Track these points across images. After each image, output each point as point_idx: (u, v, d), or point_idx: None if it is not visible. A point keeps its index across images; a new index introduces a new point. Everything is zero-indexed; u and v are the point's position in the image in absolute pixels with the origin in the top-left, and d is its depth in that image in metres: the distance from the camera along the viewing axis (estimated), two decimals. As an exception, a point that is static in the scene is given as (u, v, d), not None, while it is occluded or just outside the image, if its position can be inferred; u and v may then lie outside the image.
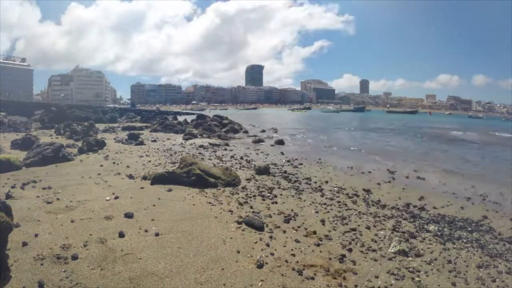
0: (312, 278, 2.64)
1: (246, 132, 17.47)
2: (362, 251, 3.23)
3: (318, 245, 3.30)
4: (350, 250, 3.24)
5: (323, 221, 4.02)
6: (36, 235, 2.97)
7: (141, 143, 10.75)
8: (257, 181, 5.98)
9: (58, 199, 4.12)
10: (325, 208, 4.56)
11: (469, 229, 4.10)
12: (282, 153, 10.06)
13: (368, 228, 3.89)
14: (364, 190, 5.76)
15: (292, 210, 4.39)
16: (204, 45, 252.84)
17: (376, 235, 3.69)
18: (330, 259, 3.02)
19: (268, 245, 3.21)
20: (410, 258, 3.14)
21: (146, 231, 3.30)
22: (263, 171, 6.65)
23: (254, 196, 4.95)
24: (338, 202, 4.92)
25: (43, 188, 4.62)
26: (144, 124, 20.15)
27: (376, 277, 2.75)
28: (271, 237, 3.42)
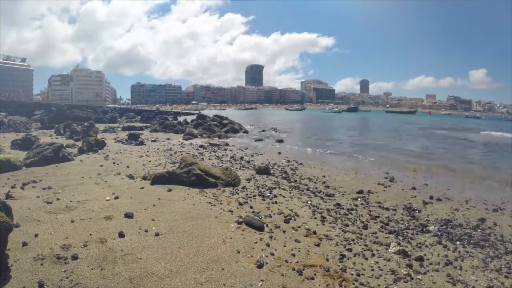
0: (312, 278, 2.64)
1: (246, 132, 17.47)
2: (362, 251, 3.23)
3: (318, 245, 3.30)
4: (350, 250, 3.24)
5: (323, 221, 4.02)
6: (36, 235, 2.96)
7: (141, 143, 10.75)
8: (257, 181, 5.98)
9: (58, 199, 4.12)
10: (325, 208, 4.56)
11: (469, 229, 4.11)
12: (281, 153, 10.07)
13: (368, 228, 3.90)
14: (364, 190, 5.76)
15: (292, 210, 4.39)
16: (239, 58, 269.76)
17: (376, 235, 3.69)
18: (330, 259, 3.02)
19: (268, 245, 3.21)
20: (410, 258, 3.15)
21: (146, 231, 3.29)
22: (263, 171, 6.65)
23: (254, 196, 4.94)
24: (338, 202, 4.91)
25: (43, 188, 4.62)
26: (144, 124, 20.15)
27: (376, 277, 2.75)
28: (271, 237, 3.42)
